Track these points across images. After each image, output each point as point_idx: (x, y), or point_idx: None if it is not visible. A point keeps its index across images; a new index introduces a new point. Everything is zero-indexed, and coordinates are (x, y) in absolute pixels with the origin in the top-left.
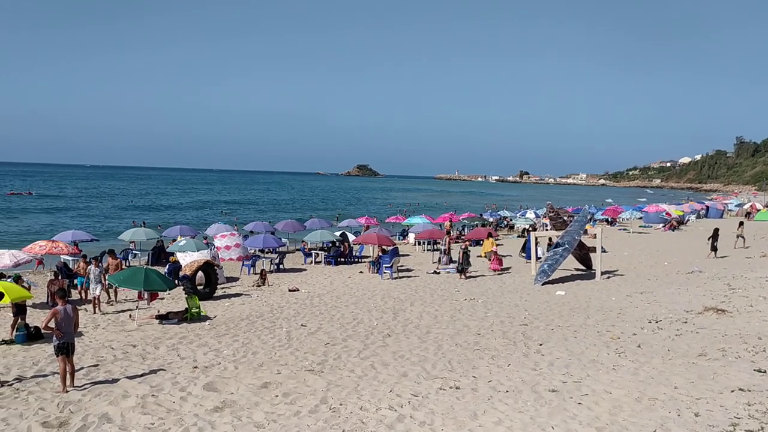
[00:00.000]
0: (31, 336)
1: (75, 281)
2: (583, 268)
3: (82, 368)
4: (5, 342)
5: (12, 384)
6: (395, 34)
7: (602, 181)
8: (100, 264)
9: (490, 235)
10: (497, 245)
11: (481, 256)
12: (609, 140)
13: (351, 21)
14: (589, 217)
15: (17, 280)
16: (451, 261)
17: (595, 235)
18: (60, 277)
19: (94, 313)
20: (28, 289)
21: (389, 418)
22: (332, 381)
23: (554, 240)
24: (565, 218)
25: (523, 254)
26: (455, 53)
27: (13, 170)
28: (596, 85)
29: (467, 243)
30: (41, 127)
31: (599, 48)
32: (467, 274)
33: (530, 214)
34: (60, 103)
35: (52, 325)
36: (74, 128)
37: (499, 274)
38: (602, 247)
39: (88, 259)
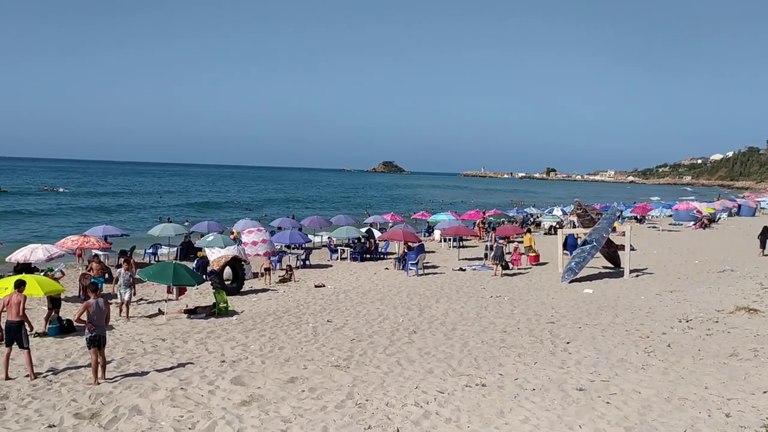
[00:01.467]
0: (63, 329)
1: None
2: (612, 266)
3: (113, 360)
4: (39, 334)
5: (45, 375)
6: (423, 31)
7: (631, 178)
8: (129, 267)
9: (529, 230)
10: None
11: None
12: (637, 137)
13: (380, 18)
14: (617, 215)
15: (48, 273)
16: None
17: (623, 232)
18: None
19: (121, 314)
20: (58, 279)
21: (415, 415)
22: (358, 377)
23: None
24: (593, 215)
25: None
26: (483, 50)
27: (46, 167)
28: (625, 83)
29: (504, 240)
30: (74, 126)
31: (629, 47)
32: (503, 272)
33: (557, 211)
34: (92, 103)
35: (84, 318)
36: (106, 127)
37: (525, 272)
38: (631, 245)
39: (99, 259)
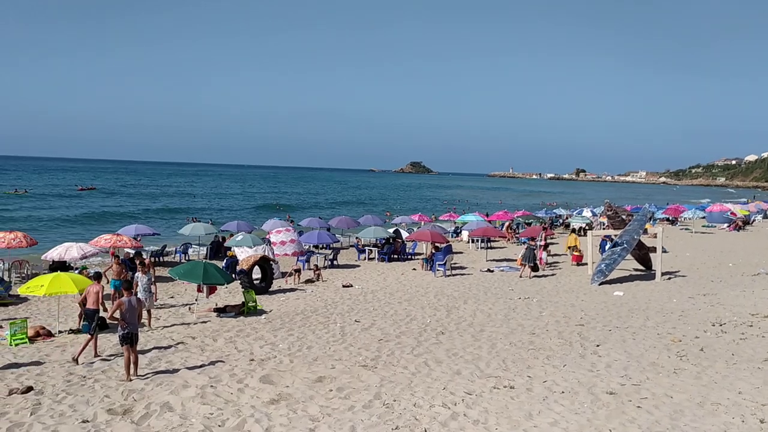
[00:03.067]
0: (97, 326)
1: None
2: (643, 268)
3: (148, 351)
4: (73, 331)
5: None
6: (451, 32)
7: (663, 179)
8: (148, 271)
9: (573, 230)
10: (553, 243)
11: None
12: (670, 137)
13: (411, 19)
14: (649, 216)
15: (82, 271)
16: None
17: (655, 234)
18: (125, 271)
19: (140, 322)
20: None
21: (443, 416)
22: (386, 377)
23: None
24: (624, 217)
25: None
26: (509, 51)
27: (78, 166)
28: (657, 84)
29: (533, 242)
30: (103, 126)
31: (661, 48)
32: (532, 274)
33: (587, 213)
34: (118, 104)
35: (117, 315)
36: (145, 127)
37: (554, 274)
38: (663, 247)
39: (119, 260)
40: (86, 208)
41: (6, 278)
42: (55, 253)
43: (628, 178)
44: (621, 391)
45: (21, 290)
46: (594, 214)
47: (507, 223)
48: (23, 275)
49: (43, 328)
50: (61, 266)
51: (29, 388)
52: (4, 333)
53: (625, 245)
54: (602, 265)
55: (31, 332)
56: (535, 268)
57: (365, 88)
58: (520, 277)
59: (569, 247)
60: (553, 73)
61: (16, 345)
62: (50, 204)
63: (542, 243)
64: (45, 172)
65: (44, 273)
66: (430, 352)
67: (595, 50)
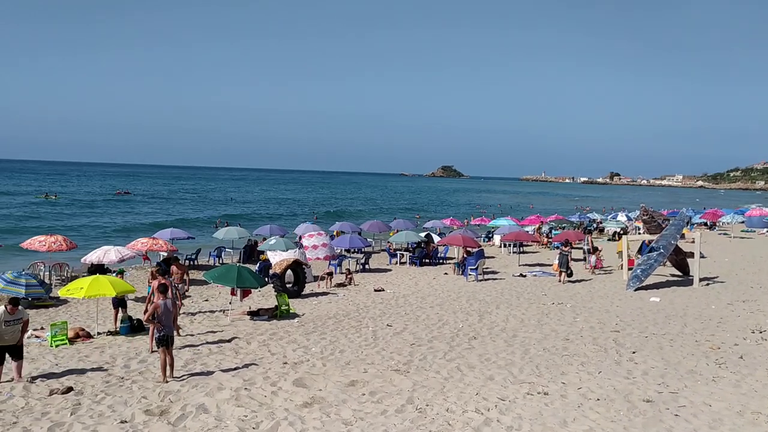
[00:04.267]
0: (134, 328)
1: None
2: (680, 273)
3: (190, 345)
4: (111, 333)
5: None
6: (485, 37)
7: (700, 182)
8: (184, 275)
9: (625, 233)
10: (576, 248)
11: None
12: (707, 140)
13: (441, 24)
14: (686, 221)
15: (120, 274)
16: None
17: (693, 239)
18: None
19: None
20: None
21: (476, 421)
22: (418, 381)
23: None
24: (660, 221)
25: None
26: (542, 56)
27: (114, 171)
28: (693, 86)
29: (566, 247)
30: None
31: (698, 50)
32: (566, 279)
33: (621, 217)
34: (158, 108)
35: (151, 318)
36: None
37: (588, 279)
38: (701, 252)
39: (179, 262)
40: (124, 212)
41: (47, 280)
42: (93, 256)
43: (664, 182)
44: (658, 399)
45: (61, 292)
46: (629, 219)
47: (537, 227)
48: (63, 278)
49: (83, 329)
50: (99, 269)
51: (69, 389)
52: (45, 334)
53: (662, 250)
54: (638, 271)
55: (71, 333)
56: (569, 274)
57: (398, 92)
58: (560, 282)
59: (619, 252)
60: (587, 77)
61: (57, 346)
62: (89, 207)
63: (589, 247)
64: (76, 177)
65: (83, 276)
66: (462, 357)
67: (629, 54)
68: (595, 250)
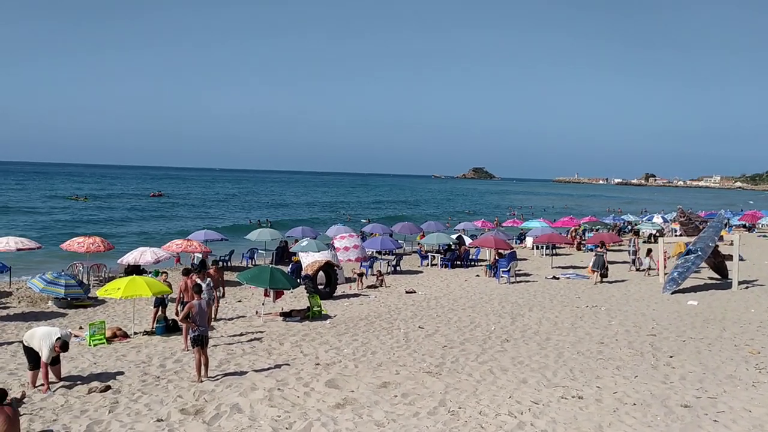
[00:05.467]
0: (169, 328)
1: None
2: (718, 276)
3: (224, 345)
4: (147, 333)
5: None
6: (516, 38)
7: (738, 184)
8: (219, 277)
9: (661, 235)
10: (621, 250)
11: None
12: (745, 141)
13: (471, 25)
14: (724, 223)
15: (158, 275)
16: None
17: (731, 241)
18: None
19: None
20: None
21: (509, 425)
22: (450, 384)
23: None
24: (697, 223)
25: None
26: (573, 57)
27: (151, 174)
28: (732, 86)
29: (601, 248)
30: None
31: (733, 46)
32: (601, 280)
33: (657, 219)
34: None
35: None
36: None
37: (623, 282)
38: (740, 255)
39: (218, 266)
40: (158, 214)
41: (85, 281)
42: (130, 257)
43: (701, 183)
44: (696, 404)
45: (99, 293)
46: (665, 221)
47: (573, 229)
48: (100, 278)
49: (120, 329)
50: (135, 270)
51: (107, 387)
52: (83, 334)
53: (700, 253)
54: (675, 273)
55: (108, 333)
56: (604, 275)
57: (427, 93)
58: (594, 284)
59: (676, 255)
60: (619, 77)
61: (95, 345)
62: (124, 209)
63: (636, 248)
64: (107, 179)
65: (120, 276)
66: (495, 359)
67: (664, 55)
68: (648, 252)
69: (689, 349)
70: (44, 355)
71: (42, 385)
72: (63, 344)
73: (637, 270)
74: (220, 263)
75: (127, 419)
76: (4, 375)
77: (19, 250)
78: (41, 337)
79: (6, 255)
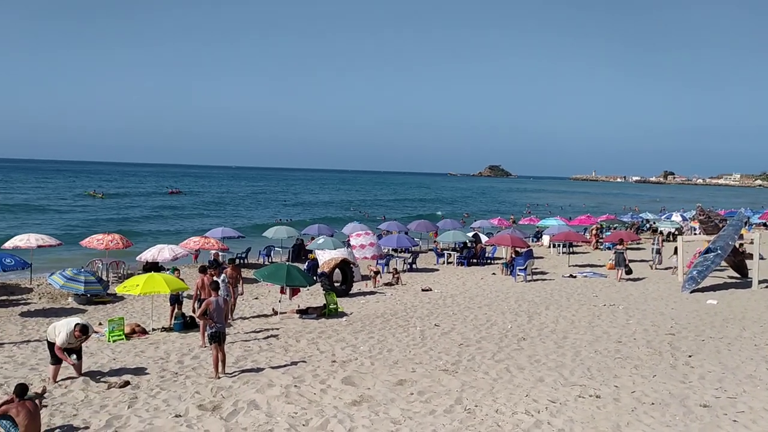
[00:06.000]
0: (187, 324)
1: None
2: (738, 275)
3: (241, 342)
4: (165, 329)
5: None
6: (534, 35)
7: (759, 182)
8: (237, 276)
9: (680, 233)
10: (639, 249)
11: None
12: (766, 138)
13: (485, 23)
14: (744, 221)
15: (174, 271)
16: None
17: (752, 240)
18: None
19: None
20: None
21: (526, 423)
22: (467, 382)
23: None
24: (717, 222)
25: None
26: (589, 54)
27: (169, 171)
28: (751, 83)
29: (621, 245)
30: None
31: (752, 41)
32: (623, 276)
33: (676, 217)
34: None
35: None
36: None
37: (641, 280)
38: (760, 254)
39: (235, 265)
40: (175, 211)
41: (104, 278)
42: (148, 255)
43: (721, 181)
44: (716, 404)
45: (118, 289)
46: (684, 219)
47: (593, 228)
48: (119, 275)
49: (138, 325)
50: (153, 267)
51: (126, 383)
52: (103, 330)
53: (719, 251)
54: (694, 272)
55: (127, 329)
56: (628, 272)
57: (444, 90)
58: (618, 280)
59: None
60: (637, 74)
61: (114, 341)
62: (143, 207)
63: (659, 246)
64: (127, 176)
65: (139, 273)
66: (511, 358)
67: (678, 53)
68: (675, 250)
69: (708, 349)
70: (60, 339)
71: (65, 379)
72: (83, 328)
73: (656, 268)
74: (237, 260)
75: (145, 414)
76: (26, 370)
77: (39, 246)
78: (61, 325)
79: (27, 252)
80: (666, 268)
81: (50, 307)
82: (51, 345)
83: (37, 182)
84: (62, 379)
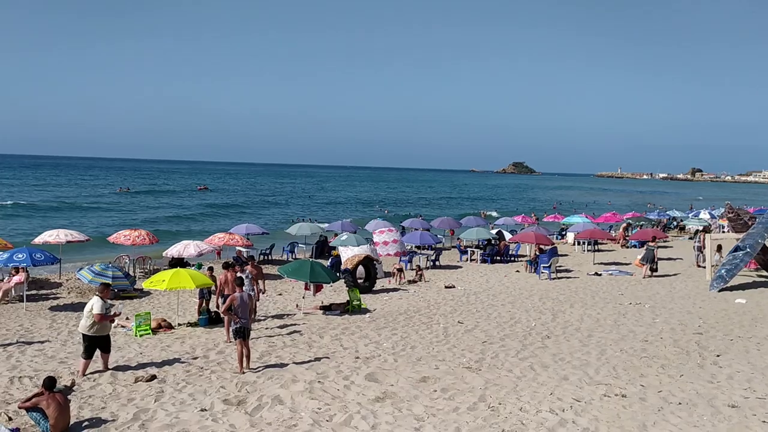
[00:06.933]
0: (212, 320)
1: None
2: (767, 274)
3: (265, 338)
4: (190, 324)
5: (198, 362)
6: (555, 32)
7: None
8: (258, 273)
9: (708, 231)
10: (666, 247)
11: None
12: None
13: (510, 19)
14: None
15: (200, 267)
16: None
17: None
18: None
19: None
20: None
21: (550, 422)
22: (490, 379)
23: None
24: (746, 219)
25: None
26: (613, 51)
27: (199, 167)
28: None
29: (653, 242)
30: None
31: None
32: (651, 274)
33: (704, 215)
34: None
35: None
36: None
37: (668, 278)
38: None
39: (255, 262)
40: (204, 208)
41: (131, 273)
42: (174, 250)
43: (750, 178)
44: (744, 405)
45: (145, 284)
46: (713, 217)
47: (622, 225)
48: (146, 270)
49: (164, 320)
50: (179, 262)
51: (153, 377)
52: (130, 324)
53: (748, 249)
54: (722, 271)
55: (153, 324)
56: (654, 270)
57: (467, 86)
58: (643, 277)
59: None
60: (663, 69)
61: (141, 336)
62: (172, 202)
63: (700, 244)
64: (158, 172)
65: (165, 269)
66: (535, 356)
67: (705, 48)
68: (719, 248)
69: (737, 348)
70: (96, 309)
71: (94, 372)
72: (103, 285)
73: (700, 266)
74: (261, 256)
75: (172, 408)
76: (55, 363)
77: (68, 242)
78: (87, 309)
79: (56, 247)
80: (701, 266)
81: (79, 302)
82: (85, 337)
83: (68, 180)
84: (90, 373)
